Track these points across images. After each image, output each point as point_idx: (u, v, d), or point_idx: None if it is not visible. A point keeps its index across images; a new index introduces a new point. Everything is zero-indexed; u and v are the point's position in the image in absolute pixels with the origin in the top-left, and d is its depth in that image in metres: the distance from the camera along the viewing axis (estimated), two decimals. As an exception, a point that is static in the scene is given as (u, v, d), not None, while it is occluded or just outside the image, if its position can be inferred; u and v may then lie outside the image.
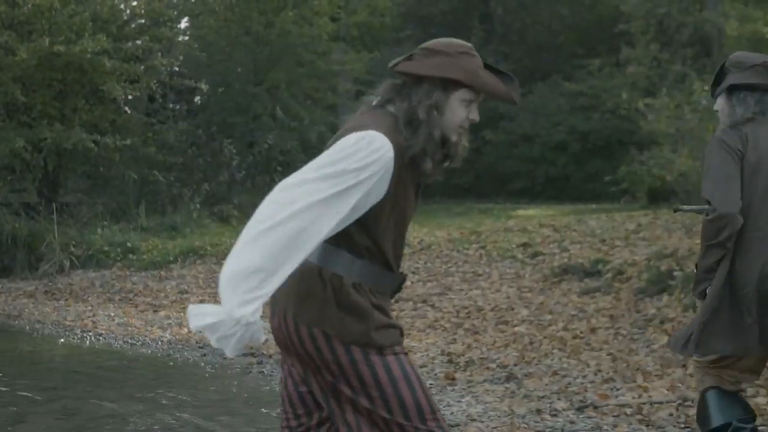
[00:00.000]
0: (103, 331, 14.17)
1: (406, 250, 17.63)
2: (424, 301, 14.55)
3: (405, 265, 16.63)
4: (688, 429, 7.51)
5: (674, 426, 7.63)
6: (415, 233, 19.59)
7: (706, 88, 24.24)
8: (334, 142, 3.91)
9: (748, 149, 5.43)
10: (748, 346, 5.48)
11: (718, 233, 5.37)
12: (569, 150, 31.98)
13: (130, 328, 14.28)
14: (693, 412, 7.95)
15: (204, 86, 27.14)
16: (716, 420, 5.70)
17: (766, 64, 5.64)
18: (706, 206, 5.48)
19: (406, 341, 11.51)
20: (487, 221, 21.69)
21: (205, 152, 27.29)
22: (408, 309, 14.24)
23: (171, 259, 19.61)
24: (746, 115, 5.54)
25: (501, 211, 25.30)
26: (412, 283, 15.67)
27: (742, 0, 27.21)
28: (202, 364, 11.54)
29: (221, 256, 19.00)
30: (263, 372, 10.90)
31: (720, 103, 5.69)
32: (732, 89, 5.56)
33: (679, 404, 8.24)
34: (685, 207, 6.86)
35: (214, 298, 16.22)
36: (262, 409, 8.97)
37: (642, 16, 30.29)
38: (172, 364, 11.58)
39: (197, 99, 31.03)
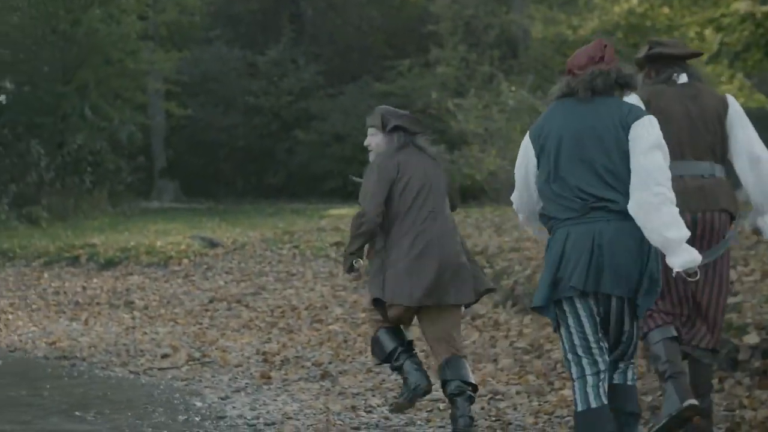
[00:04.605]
0: None
1: (219, 251, 17.61)
2: (239, 301, 14.54)
3: (218, 266, 16.62)
4: (499, 422, 7.70)
5: (485, 419, 7.81)
6: (228, 233, 19.57)
7: (513, 88, 24.87)
8: None
9: (400, 171, 7.50)
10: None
11: (359, 227, 7.44)
12: (380, 149, 32.26)
13: (-65, 334, 13.90)
14: (503, 404, 8.20)
15: (9, 85, 26.56)
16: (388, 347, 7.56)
17: (410, 115, 7.98)
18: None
19: (220, 341, 11.51)
20: (299, 221, 21.80)
21: (12, 152, 26.72)
22: (222, 309, 14.22)
23: (-22, 262, 19.17)
24: (399, 147, 7.67)
25: (314, 211, 25.39)
26: (225, 283, 15.66)
27: (547, 3, 27.93)
28: (13, 368, 11.31)
29: (31, 258, 18.66)
30: (75, 374, 10.75)
31: (378, 138, 7.77)
32: (393, 129, 7.70)
33: (490, 398, 8.46)
34: (357, 179, 8.26)
35: (25, 301, 15.92)
36: (77, 412, 8.85)
37: (450, 17, 30.81)
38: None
39: (2, 98, 30.31)
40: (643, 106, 6.16)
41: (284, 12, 36.26)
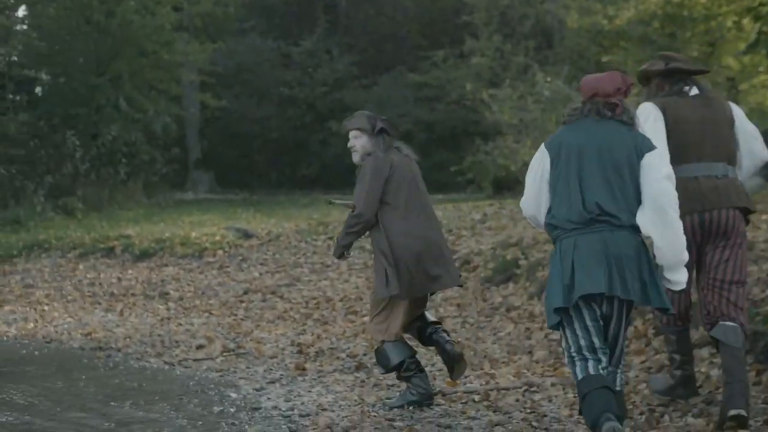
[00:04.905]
0: (-56, 328, 13.85)
1: (254, 242, 17.62)
2: (273, 293, 14.56)
3: (252, 257, 16.63)
4: (534, 413, 7.66)
5: (520, 411, 7.77)
6: (263, 224, 19.57)
7: (548, 79, 24.76)
8: None
9: (392, 170, 8.21)
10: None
11: (354, 226, 8.23)
12: (415, 141, 32.09)
13: (-28, 324, 13.99)
14: (538, 396, 8.16)
15: (45, 77, 26.65)
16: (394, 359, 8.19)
17: (389, 119, 8.63)
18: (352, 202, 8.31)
19: (254, 332, 11.52)
20: (334, 212, 21.73)
21: (48, 144, 26.82)
22: (257, 300, 14.24)
23: (15, 253, 19.23)
24: (386, 148, 8.42)
25: (348, 202, 25.32)
26: (260, 274, 15.66)
27: (582, -8, 27.70)
28: (49, 358, 11.36)
29: (66, 249, 18.73)
30: (111, 365, 10.78)
31: (364, 140, 8.55)
32: (380, 132, 8.43)
33: (525, 390, 8.42)
34: (337, 201, 9.41)
35: (61, 292, 16.00)
36: (112, 402, 8.88)
37: (485, 7, 30.68)
38: (18, 359, 11.37)
39: (38, 90, 30.45)
40: (660, 114, 7.03)
41: (318, 2, 36.27)
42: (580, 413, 6.20)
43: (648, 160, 6.20)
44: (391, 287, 8.06)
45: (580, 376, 6.13)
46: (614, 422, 5.83)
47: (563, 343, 6.30)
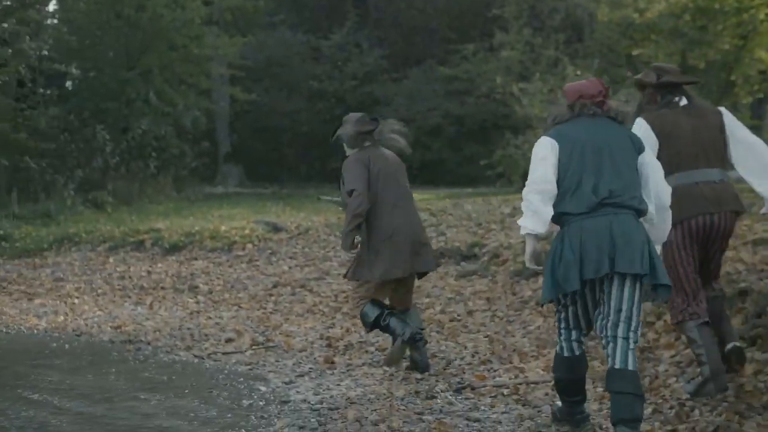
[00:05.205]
0: (-25, 321, 13.92)
1: (283, 236, 17.62)
2: (302, 286, 14.56)
3: (282, 251, 16.64)
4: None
5: (549, 405, 7.75)
6: (292, 218, 19.58)
7: (579, 72, 24.67)
8: None
9: (371, 164, 9.26)
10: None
11: (358, 207, 9.05)
12: (444, 134, 32.17)
13: (4, 317, 14.03)
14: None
15: (75, 71, 26.73)
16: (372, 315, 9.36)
17: (366, 117, 9.85)
18: (339, 199, 9.58)
19: (284, 326, 11.52)
20: (363, 205, 21.72)
21: (78, 138, 26.91)
22: (286, 294, 14.25)
23: (45, 246, 19.31)
24: (366, 145, 9.55)
25: (377, 196, 25.31)
26: (289, 268, 15.67)
27: (613, -15, 27.56)
28: (79, 351, 11.40)
29: (96, 243, 18.79)
30: (141, 358, 10.81)
31: (346, 146, 9.65)
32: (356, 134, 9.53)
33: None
34: (325, 197, 10.35)
35: (91, 285, 16.06)
36: (141, 395, 8.90)
37: (515, 0, 30.57)
38: (48, 352, 11.41)
39: (68, 84, 30.55)
40: (650, 129, 7.55)
41: (348, -4, 36.27)
42: (555, 387, 7.21)
43: (648, 157, 6.88)
44: (367, 272, 9.27)
45: (566, 354, 6.93)
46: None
47: (558, 317, 6.93)
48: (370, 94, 33.83)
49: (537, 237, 6.80)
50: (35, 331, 12.94)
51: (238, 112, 34.42)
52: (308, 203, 23.92)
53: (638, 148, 6.86)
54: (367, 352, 10.37)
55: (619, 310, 6.53)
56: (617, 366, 6.49)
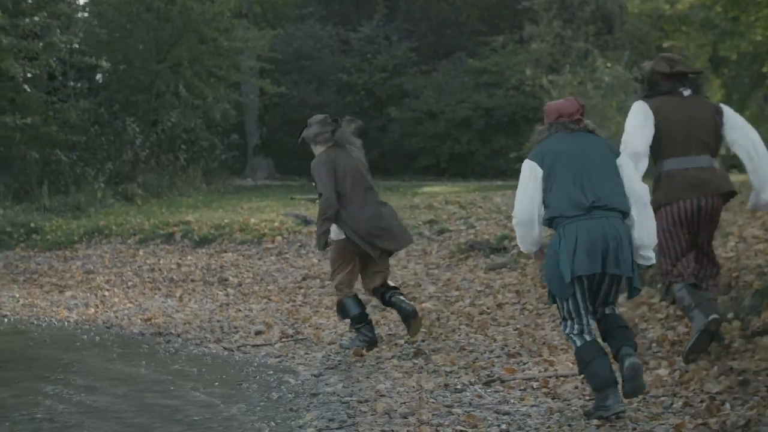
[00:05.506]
0: (7, 313, 13.98)
1: (313, 228, 17.62)
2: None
3: (311, 243, 16.65)
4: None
5: (579, 398, 7.74)
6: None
7: (609, 65, 24.58)
8: None
9: (336, 165, 10.08)
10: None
11: (326, 211, 9.90)
12: (474, 127, 32.10)
13: (35, 309, 14.11)
14: (598, 384, 8.06)
15: (105, 64, 26.79)
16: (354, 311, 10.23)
17: (328, 118, 10.64)
18: (317, 196, 10.23)
19: (313, 318, 11.53)
20: (393, 198, 21.69)
21: (108, 131, 27.00)
22: (315, 286, 14.26)
23: (76, 239, 19.39)
24: (330, 145, 10.40)
25: (407, 189, 25.36)
26: (319, 260, 15.67)
27: (643, -23, 27.44)
28: (109, 343, 11.45)
29: (126, 236, 18.86)
30: (171, 350, 10.85)
31: (313, 147, 10.51)
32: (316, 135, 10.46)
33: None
34: (299, 197, 11.10)
35: (121, 278, 16.12)
36: (171, 387, 8.93)
37: (544, -8, 30.44)
38: (79, 344, 11.46)
39: (98, 77, 30.65)
40: (651, 114, 8.28)
41: (378, -12, 36.21)
42: (581, 373, 7.46)
43: (624, 160, 7.53)
44: (359, 243, 10.09)
45: (578, 344, 7.33)
46: (622, 404, 7.14)
47: (560, 310, 7.43)
48: (399, 87, 33.80)
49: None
50: (66, 324, 13.01)
51: (268, 104, 34.44)
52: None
53: (615, 153, 7.55)
54: (396, 344, 10.37)
55: (605, 303, 7.40)
56: (608, 312, 7.44)
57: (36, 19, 24.20)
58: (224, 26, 28.96)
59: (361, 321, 10.22)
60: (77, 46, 27.14)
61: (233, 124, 31.33)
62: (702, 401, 7.34)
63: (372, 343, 10.18)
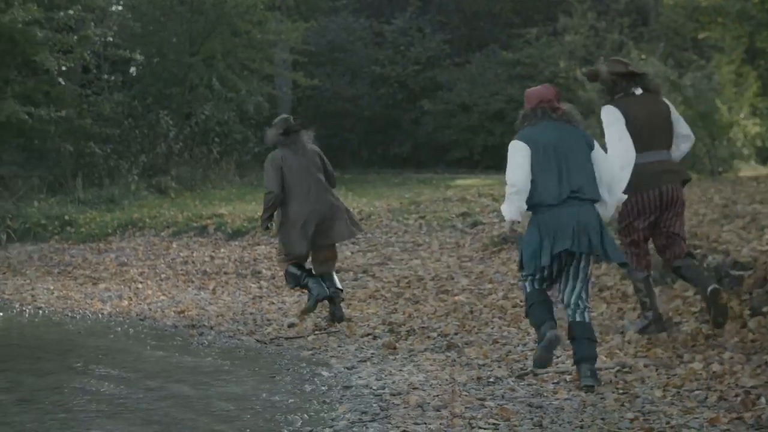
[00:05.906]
0: (42, 305, 14.06)
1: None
2: (365, 272, 14.56)
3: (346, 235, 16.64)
4: (626, 395, 7.59)
5: (612, 392, 7.70)
6: (355, 204, 19.58)
7: (644, 56, 24.45)
8: None
9: (283, 163, 11.37)
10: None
11: (269, 202, 11.34)
12: (507, 119, 31.91)
13: (69, 301, 14.19)
14: (631, 377, 8.06)
15: (139, 57, 26.89)
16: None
17: (282, 121, 11.70)
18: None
19: (346, 311, 11.55)
20: (426, 191, 21.72)
21: (142, 124, 27.09)
22: (348, 279, 14.25)
23: (109, 231, 19.48)
24: (284, 144, 11.57)
25: (440, 181, 25.34)
26: (352, 253, 15.68)
27: (678, -32, 27.28)
28: (143, 336, 11.49)
29: (160, 228, 18.92)
30: (204, 343, 10.88)
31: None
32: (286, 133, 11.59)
33: (618, 370, 8.32)
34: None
35: (155, 270, 16.17)
36: (204, 379, 8.95)
37: (579, -16, 30.35)
38: (112, 336, 11.51)
39: (132, 70, 30.76)
40: (622, 116, 9.09)
41: (411, -20, 36.16)
42: (526, 316, 8.27)
43: (598, 152, 8.20)
44: (282, 250, 11.52)
45: (528, 290, 8.13)
46: (556, 330, 7.91)
47: (525, 280, 8.17)
48: (432, 79, 33.77)
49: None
50: (100, 316, 13.08)
51: (301, 97, 34.45)
52: (370, 188, 23.94)
53: (590, 144, 8.19)
54: (429, 337, 10.36)
55: (577, 278, 8.04)
56: (577, 319, 8.01)
57: (70, 12, 24.33)
58: (257, 18, 29.00)
59: (306, 278, 11.46)
60: (111, 39, 27.24)
61: (266, 116, 31.33)
62: (737, 395, 7.30)
63: (322, 293, 11.37)
